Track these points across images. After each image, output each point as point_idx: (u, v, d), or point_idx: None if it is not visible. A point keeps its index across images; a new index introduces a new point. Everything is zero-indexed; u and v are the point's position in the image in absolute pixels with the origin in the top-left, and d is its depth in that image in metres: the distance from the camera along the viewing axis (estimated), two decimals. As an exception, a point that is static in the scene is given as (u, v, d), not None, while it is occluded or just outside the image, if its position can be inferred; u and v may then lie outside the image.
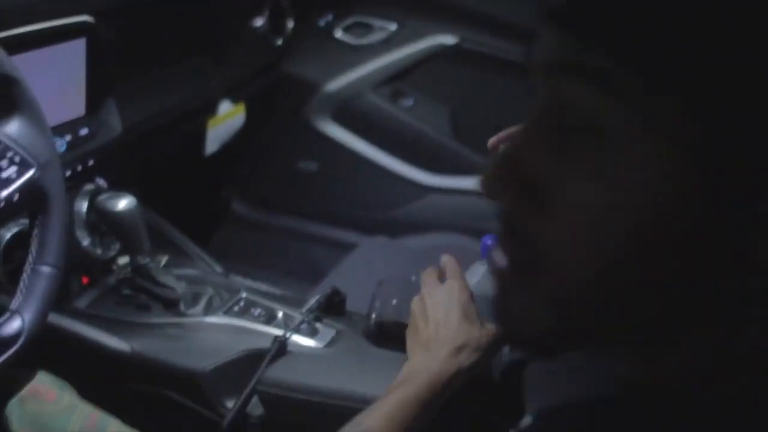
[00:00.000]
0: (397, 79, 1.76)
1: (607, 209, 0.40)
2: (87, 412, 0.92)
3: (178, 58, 1.42)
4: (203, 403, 1.03)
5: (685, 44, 0.37)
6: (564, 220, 0.41)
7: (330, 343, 1.08)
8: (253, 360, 1.03)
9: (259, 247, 1.78)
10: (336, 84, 1.75)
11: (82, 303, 1.15)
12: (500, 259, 0.45)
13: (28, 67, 1.05)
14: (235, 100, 1.62)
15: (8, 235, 1.06)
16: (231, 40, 1.56)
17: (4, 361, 0.82)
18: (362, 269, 1.42)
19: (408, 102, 1.77)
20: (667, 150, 0.38)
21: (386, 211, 1.77)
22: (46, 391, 0.92)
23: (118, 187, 1.24)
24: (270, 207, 1.83)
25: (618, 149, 0.39)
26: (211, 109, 1.57)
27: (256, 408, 1.01)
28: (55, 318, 1.07)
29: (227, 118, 1.63)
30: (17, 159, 0.84)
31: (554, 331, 0.44)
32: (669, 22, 0.37)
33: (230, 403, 1.01)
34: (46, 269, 0.87)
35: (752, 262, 0.40)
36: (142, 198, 1.25)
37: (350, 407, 0.92)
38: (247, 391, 1.00)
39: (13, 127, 0.84)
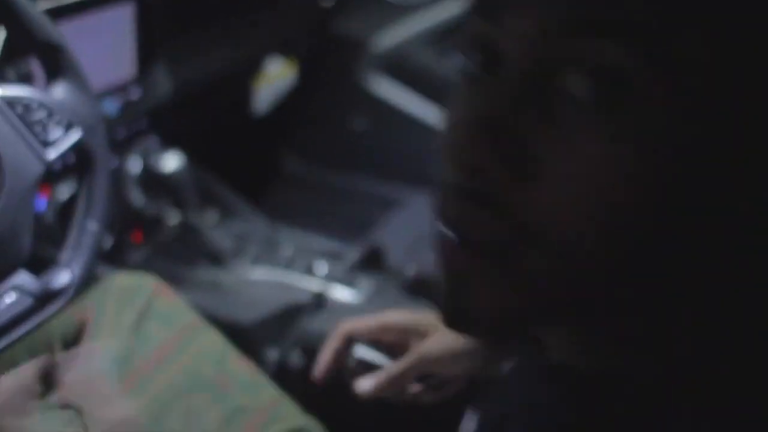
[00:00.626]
0: (446, 37, 1.76)
1: (602, 173, 0.37)
2: (189, 319, 0.96)
3: (227, 18, 1.45)
4: (247, 354, 1.07)
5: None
6: (556, 188, 0.38)
7: (369, 297, 1.11)
8: (294, 313, 1.07)
9: (309, 205, 1.82)
10: (386, 42, 1.76)
11: (134, 259, 1.21)
12: (462, 240, 0.41)
13: (77, 32, 1.10)
14: (286, 59, 1.64)
15: (66, 194, 1.11)
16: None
17: (54, 311, 0.87)
18: (406, 225, 1.45)
19: (457, 59, 1.76)
20: (677, 106, 0.36)
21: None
22: (169, 291, 0.98)
23: (170, 146, 1.29)
24: (320, 165, 1.86)
25: (630, 108, 0.37)
26: (261, 69, 1.60)
27: (297, 360, 1.05)
28: (109, 274, 1.13)
29: (278, 78, 1.66)
30: (64, 123, 0.88)
31: (518, 315, 0.42)
32: None
33: (273, 355, 1.06)
34: (92, 225, 0.91)
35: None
36: (193, 156, 1.29)
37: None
38: (288, 343, 1.04)
39: (59, 92, 0.88)
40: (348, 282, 1.12)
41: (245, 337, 1.08)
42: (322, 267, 1.17)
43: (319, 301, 1.07)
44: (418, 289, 1.09)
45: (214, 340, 0.94)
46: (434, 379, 0.78)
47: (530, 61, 0.39)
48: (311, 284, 1.12)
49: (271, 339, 1.07)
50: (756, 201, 0.39)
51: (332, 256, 1.21)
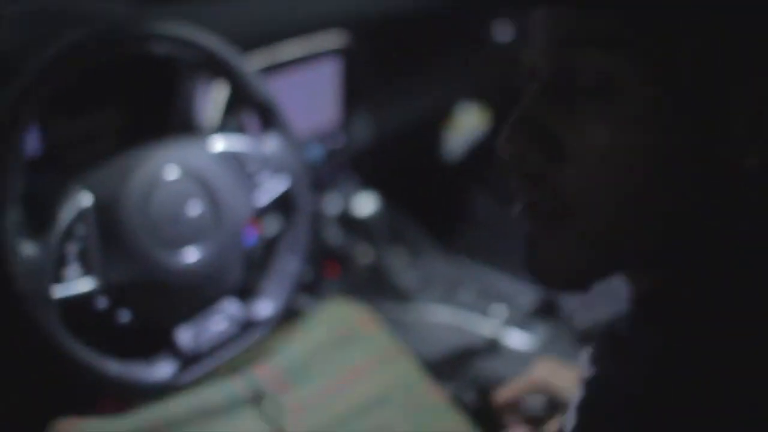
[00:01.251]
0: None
1: (616, 152, 0.49)
2: (390, 345, 1.07)
3: (426, 69, 1.54)
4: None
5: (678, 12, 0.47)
6: (582, 166, 0.49)
7: (543, 344, 1.15)
8: (469, 355, 1.13)
9: (496, 246, 1.86)
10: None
11: (329, 294, 1.31)
12: (529, 213, 0.53)
13: (288, 85, 1.22)
14: (480, 107, 1.71)
15: (274, 229, 1.24)
16: (474, 51, 1.65)
17: (254, 339, 0.98)
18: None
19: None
20: (662, 97, 0.48)
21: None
22: (372, 319, 1.10)
23: (367, 187, 1.39)
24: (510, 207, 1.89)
25: (625, 100, 0.48)
26: (454, 116, 1.68)
27: (471, 399, 1.10)
28: (308, 306, 1.24)
29: (473, 124, 1.73)
30: (274, 172, 1.00)
31: (586, 268, 0.53)
32: None
33: (448, 392, 1.12)
34: (294, 262, 1.02)
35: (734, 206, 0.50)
36: (388, 197, 1.38)
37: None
38: (463, 383, 1.10)
39: (270, 144, 1.01)
40: (524, 327, 1.17)
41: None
42: (500, 310, 1.22)
43: (493, 347, 1.12)
44: (590, 340, 1.11)
45: (410, 367, 1.04)
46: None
47: (551, 69, 0.51)
48: (488, 328, 1.18)
49: (446, 376, 1.13)
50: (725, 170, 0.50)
51: (511, 300, 1.25)
